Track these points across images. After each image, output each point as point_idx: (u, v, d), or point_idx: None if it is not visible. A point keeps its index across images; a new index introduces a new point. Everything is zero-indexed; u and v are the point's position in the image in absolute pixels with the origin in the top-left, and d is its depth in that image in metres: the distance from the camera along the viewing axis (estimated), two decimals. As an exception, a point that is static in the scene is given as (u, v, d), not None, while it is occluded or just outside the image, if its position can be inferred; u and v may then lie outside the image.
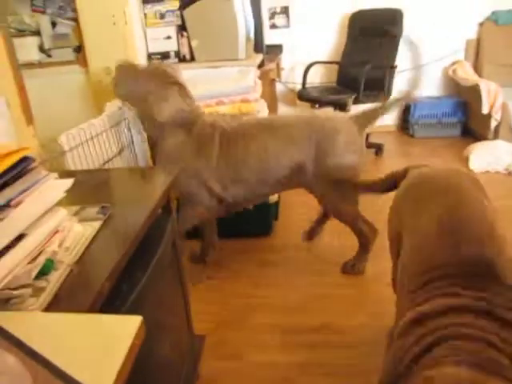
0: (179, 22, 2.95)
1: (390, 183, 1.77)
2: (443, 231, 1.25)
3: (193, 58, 2.96)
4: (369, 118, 2.30)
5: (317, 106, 4.27)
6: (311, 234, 2.73)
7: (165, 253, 1.35)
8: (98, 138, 2.14)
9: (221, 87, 2.58)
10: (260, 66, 3.22)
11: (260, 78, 2.94)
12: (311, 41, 4.84)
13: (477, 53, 4.82)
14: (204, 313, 2.09)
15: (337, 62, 4.63)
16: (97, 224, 1.13)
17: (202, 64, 2.88)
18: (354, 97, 3.86)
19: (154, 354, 1.25)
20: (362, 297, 2.22)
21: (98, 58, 2.68)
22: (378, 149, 4.32)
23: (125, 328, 0.68)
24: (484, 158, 3.78)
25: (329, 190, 2.22)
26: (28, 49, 2.84)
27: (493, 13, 4.68)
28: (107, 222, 1.16)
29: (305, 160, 2.17)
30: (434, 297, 1.10)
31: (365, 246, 2.37)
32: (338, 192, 2.22)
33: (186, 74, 2.85)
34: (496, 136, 4.17)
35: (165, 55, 2.94)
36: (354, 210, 2.30)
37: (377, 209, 2.21)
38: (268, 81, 3.69)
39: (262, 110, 2.72)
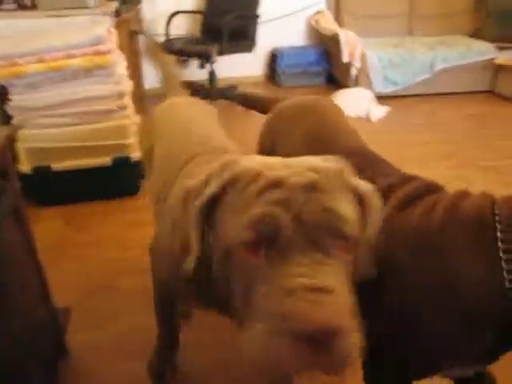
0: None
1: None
2: (311, 140, 1.36)
3: (35, 6, 2.64)
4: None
5: (182, 58, 4.13)
6: None
7: (4, 225, 1.20)
8: None
9: (68, 38, 2.34)
10: (117, 15, 3.00)
11: (116, 28, 2.73)
12: (173, -11, 4.62)
13: (337, 3, 4.95)
14: (67, 283, 1.95)
15: (200, 12, 4.49)
16: None
17: (45, 12, 2.58)
18: (218, 47, 3.77)
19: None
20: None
21: None
22: (242, 100, 4.31)
23: None
24: (347, 104, 3.94)
25: None
26: None
27: (349, -36, 4.82)
28: None
29: None
30: None
31: None
32: None
33: (27, 24, 2.57)
34: (357, 83, 4.40)
35: None
36: None
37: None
38: (126, 32, 3.46)
39: (118, 62, 2.53)
